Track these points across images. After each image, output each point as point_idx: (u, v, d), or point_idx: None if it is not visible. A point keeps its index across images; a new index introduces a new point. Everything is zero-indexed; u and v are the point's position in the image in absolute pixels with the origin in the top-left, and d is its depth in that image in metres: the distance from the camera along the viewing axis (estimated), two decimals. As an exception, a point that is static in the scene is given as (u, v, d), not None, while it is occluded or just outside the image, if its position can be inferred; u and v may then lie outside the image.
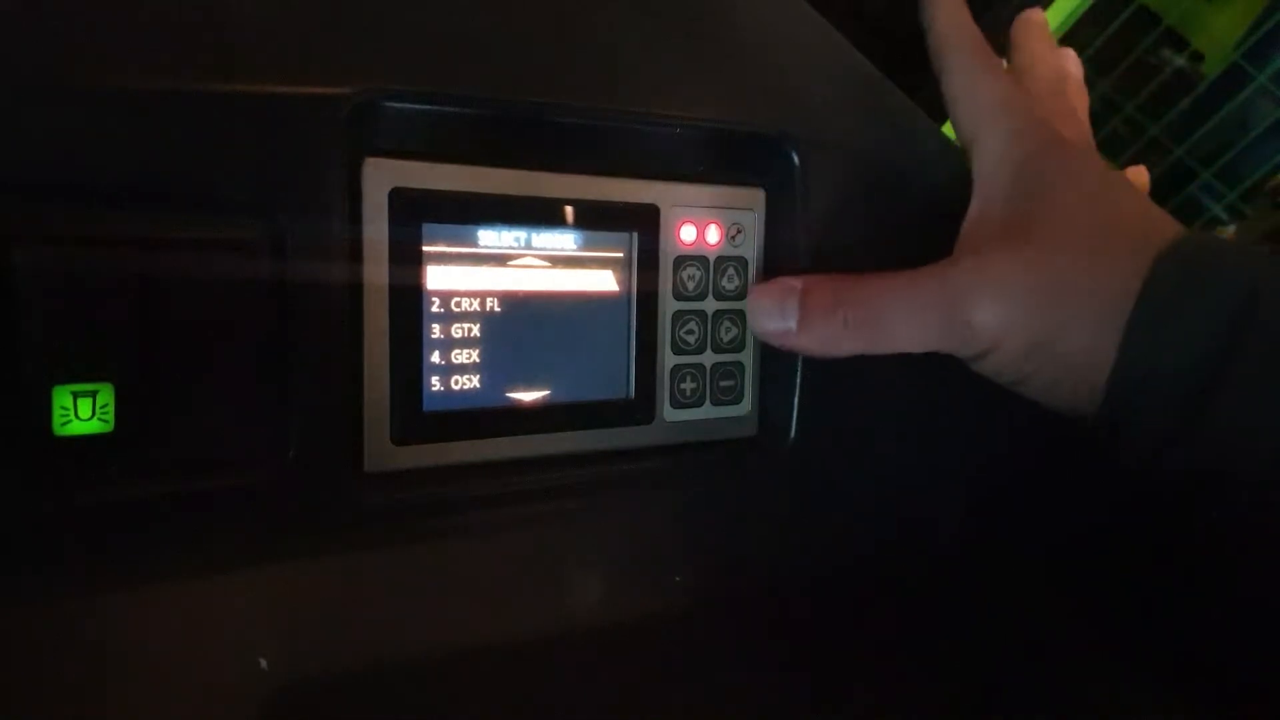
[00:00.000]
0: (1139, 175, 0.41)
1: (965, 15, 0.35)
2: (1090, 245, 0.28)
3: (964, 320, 0.29)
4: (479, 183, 0.29)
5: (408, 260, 0.28)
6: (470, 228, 0.29)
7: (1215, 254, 0.27)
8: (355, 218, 0.27)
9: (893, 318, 0.30)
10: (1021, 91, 0.33)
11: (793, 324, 0.31)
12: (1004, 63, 0.34)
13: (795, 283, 0.32)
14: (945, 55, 0.34)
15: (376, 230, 0.27)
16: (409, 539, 0.28)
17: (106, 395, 0.23)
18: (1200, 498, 0.28)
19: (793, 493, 0.35)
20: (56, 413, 0.23)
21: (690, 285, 0.33)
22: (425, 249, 0.28)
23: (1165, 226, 0.29)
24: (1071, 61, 0.39)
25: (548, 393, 0.31)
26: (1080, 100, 0.37)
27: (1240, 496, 0.26)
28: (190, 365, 0.24)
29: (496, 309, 0.30)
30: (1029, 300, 0.28)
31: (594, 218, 0.31)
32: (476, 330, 0.29)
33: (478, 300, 0.29)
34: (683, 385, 0.33)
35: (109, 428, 0.24)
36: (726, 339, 0.34)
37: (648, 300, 0.32)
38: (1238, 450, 0.26)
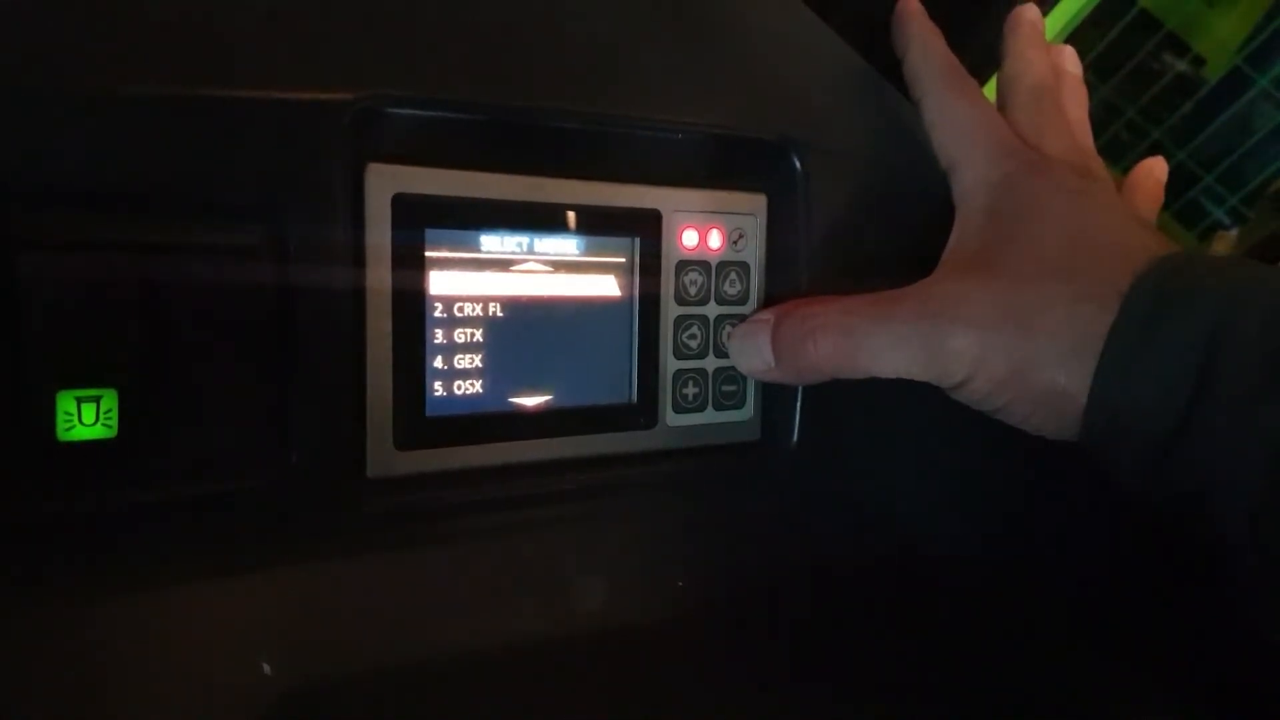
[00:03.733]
0: (1156, 167, 0.40)
1: (938, 42, 0.35)
2: (1061, 277, 0.28)
3: (939, 348, 0.29)
4: (481, 188, 0.29)
5: (410, 265, 0.28)
6: (472, 233, 0.29)
7: (1186, 286, 0.26)
8: (358, 223, 0.27)
9: (867, 342, 0.30)
10: (996, 115, 0.33)
11: (770, 359, 0.32)
12: (977, 85, 0.34)
13: (767, 316, 0.32)
14: (920, 83, 0.34)
15: (379, 235, 0.27)
16: (412, 544, 0.28)
17: (110, 401, 0.23)
18: (1189, 520, 0.28)
19: (796, 497, 0.35)
20: (60, 418, 0.23)
21: (692, 290, 0.33)
22: (428, 254, 0.28)
23: (1146, 245, 0.28)
24: (1068, 59, 0.38)
25: (550, 397, 0.31)
26: (1077, 100, 0.37)
27: (1225, 523, 0.26)
28: (194, 370, 0.25)
29: (499, 314, 0.30)
30: (1000, 333, 0.28)
31: (596, 223, 0.31)
32: (479, 335, 0.29)
33: (480, 305, 0.29)
34: (685, 390, 0.33)
35: (113, 433, 0.24)
36: (726, 344, 0.34)
37: (650, 305, 0.32)
38: (1215, 483, 0.25)
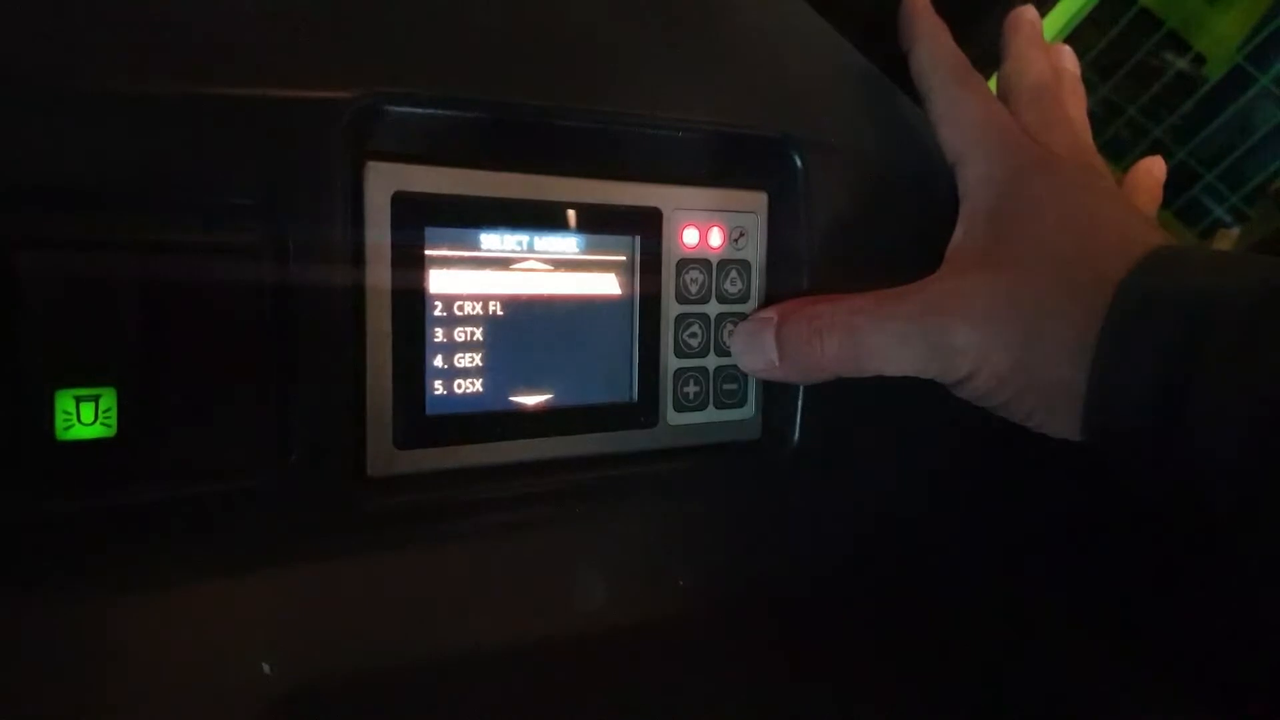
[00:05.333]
0: (1155, 166, 0.40)
1: (945, 37, 0.35)
2: (1064, 273, 0.28)
3: (943, 343, 0.29)
4: (481, 186, 0.29)
5: (410, 264, 0.28)
6: (472, 231, 0.29)
7: (1170, 283, 0.26)
8: (357, 221, 0.27)
9: (873, 339, 0.30)
10: (1003, 111, 0.33)
11: (774, 357, 0.32)
12: (984, 81, 0.34)
13: (770, 314, 0.32)
14: (927, 78, 0.34)
15: (379, 234, 0.27)
16: (412, 543, 0.28)
17: (109, 400, 0.23)
18: (1190, 513, 0.28)
19: (796, 496, 0.35)
20: (59, 417, 0.23)
21: (693, 288, 0.33)
22: (427, 252, 0.28)
23: (1148, 242, 0.28)
24: (1066, 58, 0.38)
25: (550, 396, 0.31)
26: (1076, 98, 0.37)
27: (1219, 512, 0.26)
28: (193, 369, 0.24)
29: (499, 312, 0.30)
30: (1004, 328, 0.28)
31: (596, 221, 0.31)
32: (479, 334, 0.29)
33: (480, 304, 0.29)
34: (686, 389, 0.33)
35: (111, 432, 0.23)
36: (729, 342, 0.34)
37: (650, 303, 0.32)
38: (1210, 476, 0.25)
